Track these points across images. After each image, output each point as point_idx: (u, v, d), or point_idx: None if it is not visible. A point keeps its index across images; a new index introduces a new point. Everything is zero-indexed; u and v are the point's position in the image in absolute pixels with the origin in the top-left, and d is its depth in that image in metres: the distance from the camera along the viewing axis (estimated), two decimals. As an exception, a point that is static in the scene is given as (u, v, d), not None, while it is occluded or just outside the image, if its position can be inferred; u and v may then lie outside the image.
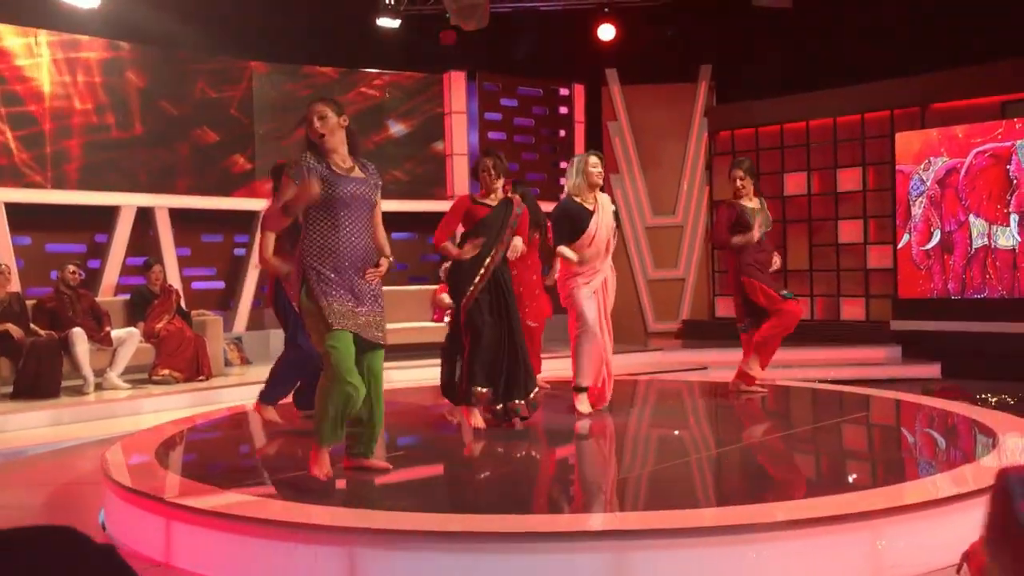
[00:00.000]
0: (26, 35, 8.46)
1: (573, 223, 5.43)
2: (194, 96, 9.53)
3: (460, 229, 5.25)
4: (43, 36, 8.56)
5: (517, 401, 4.99)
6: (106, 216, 9.00)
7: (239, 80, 9.82)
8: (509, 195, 5.21)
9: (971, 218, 9.70)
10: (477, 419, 4.95)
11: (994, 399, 6.93)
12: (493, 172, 5.07)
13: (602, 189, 5.60)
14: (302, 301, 3.75)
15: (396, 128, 10.80)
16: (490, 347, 4.92)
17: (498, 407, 4.99)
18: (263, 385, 5.43)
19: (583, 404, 5.45)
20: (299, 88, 10.14)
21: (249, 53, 9.93)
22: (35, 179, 8.48)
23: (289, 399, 5.49)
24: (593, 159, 5.52)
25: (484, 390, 4.93)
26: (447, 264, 5.11)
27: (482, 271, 4.93)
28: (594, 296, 5.46)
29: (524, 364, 5.01)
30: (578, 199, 5.48)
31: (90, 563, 0.62)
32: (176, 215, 9.34)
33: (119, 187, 8.99)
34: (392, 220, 10.62)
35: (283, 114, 9.85)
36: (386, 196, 9.67)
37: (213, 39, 9.63)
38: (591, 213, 5.44)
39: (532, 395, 5.05)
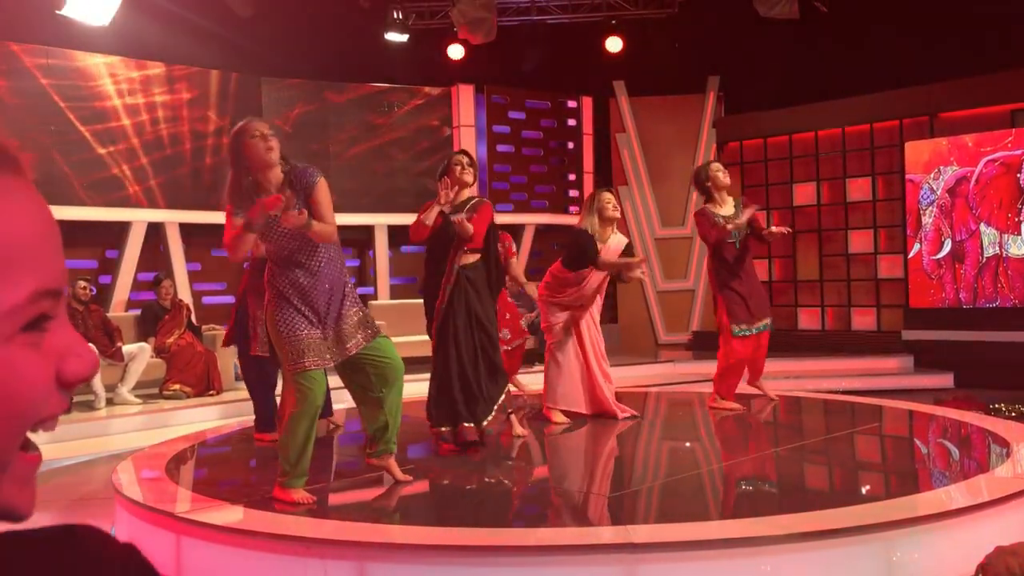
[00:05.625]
0: (35, 53, 8.54)
1: (583, 254, 5.43)
2: (208, 113, 9.58)
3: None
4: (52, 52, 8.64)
5: (476, 423, 4.66)
6: (117, 232, 9.05)
7: (248, 94, 9.87)
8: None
9: (982, 227, 9.66)
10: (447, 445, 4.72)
11: (1007, 409, 6.88)
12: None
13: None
14: (272, 330, 3.67)
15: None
16: (457, 378, 4.64)
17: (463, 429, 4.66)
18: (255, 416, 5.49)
19: (557, 415, 5.61)
20: (307, 102, 10.18)
21: (258, 68, 9.98)
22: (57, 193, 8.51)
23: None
24: (606, 195, 5.53)
25: (445, 429, 4.68)
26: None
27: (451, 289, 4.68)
28: (572, 331, 5.58)
29: (487, 386, 4.71)
30: (591, 233, 5.48)
31: (113, 560, 0.63)
32: (186, 230, 9.38)
33: (132, 203, 9.03)
34: (402, 233, 10.73)
35: (292, 127, 9.88)
36: (396, 209, 9.84)
37: (223, 56, 9.69)
38: (598, 252, 5.44)
39: (487, 422, 4.71)
